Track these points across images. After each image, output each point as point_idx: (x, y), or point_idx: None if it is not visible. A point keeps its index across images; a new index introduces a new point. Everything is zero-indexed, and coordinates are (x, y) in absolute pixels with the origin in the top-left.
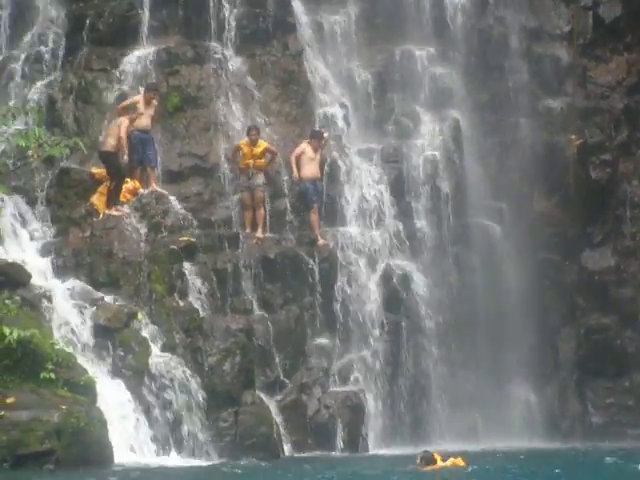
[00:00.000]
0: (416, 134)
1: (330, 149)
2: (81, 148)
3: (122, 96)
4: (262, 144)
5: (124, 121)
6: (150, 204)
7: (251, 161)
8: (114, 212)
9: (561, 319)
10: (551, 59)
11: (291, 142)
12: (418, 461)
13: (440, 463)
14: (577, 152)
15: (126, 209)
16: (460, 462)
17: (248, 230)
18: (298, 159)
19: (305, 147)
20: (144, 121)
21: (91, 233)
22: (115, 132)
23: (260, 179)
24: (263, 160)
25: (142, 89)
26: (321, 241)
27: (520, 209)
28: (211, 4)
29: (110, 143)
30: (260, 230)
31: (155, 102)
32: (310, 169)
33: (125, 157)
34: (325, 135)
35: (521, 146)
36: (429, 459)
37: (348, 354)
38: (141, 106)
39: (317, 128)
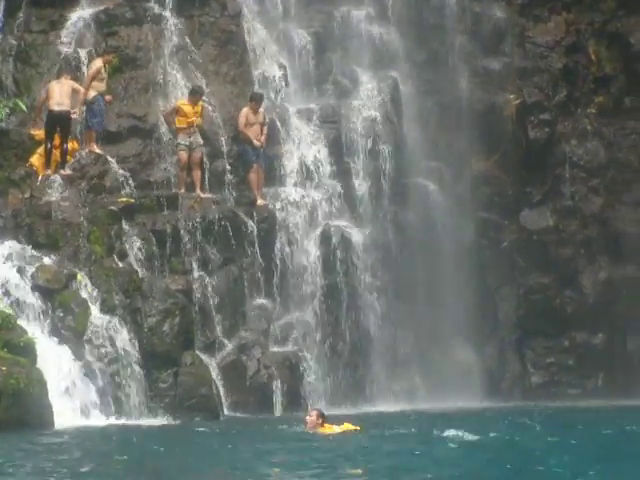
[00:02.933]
0: (355, 94)
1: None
2: (21, 108)
3: (61, 57)
4: (201, 102)
5: (74, 83)
6: (89, 165)
7: (194, 119)
8: (68, 172)
9: (500, 279)
10: (489, 19)
11: (229, 102)
12: (311, 417)
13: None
14: (516, 112)
15: (68, 170)
16: (351, 428)
17: (183, 190)
18: (246, 125)
19: (247, 112)
20: (103, 85)
21: (30, 194)
22: (67, 92)
23: (199, 138)
24: (200, 119)
25: (81, 50)
26: (260, 201)
27: (459, 169)
28: None
29: (67, 103)
30: (199, 190)
31: (108, 66)
32: (251, 132)
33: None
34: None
35: (460, 106)
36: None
37: (287, 314)
38: (103, 71)
39: (256, 90)
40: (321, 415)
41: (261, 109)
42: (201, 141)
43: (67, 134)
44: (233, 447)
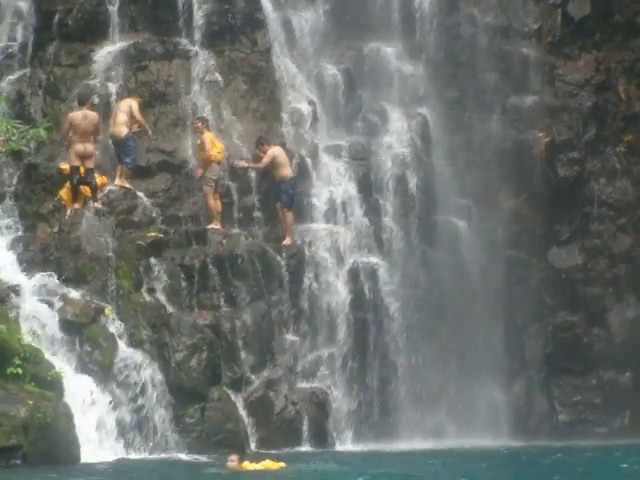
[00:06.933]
0: (384, 131)
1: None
2: (41, 136)
3: (90, 91)
4: (202, 136)
5: (95, 116)
6: (118, 200)
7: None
8: (100, 205)
9: (528, 317)
10: (520, 57)
11: None
12: (232, 460)
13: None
14: (545, 150)
15: (99, 204)
16: (273, 465)
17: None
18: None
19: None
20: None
21: (59, 228)
22: (90, 130)
23: (208, 172)
24: (203, 152)
25: (111, 85)
26: (285, 241)
27: (488, 206)
28: (180, 0)
29: (90, 139)
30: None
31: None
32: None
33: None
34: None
35: (489, 144)
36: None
37: (315, 350)
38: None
39: (261, 136)
40: (240, 457)
41: (272, 149)
42: (214, 175)
43: (92, 171)
44: None
